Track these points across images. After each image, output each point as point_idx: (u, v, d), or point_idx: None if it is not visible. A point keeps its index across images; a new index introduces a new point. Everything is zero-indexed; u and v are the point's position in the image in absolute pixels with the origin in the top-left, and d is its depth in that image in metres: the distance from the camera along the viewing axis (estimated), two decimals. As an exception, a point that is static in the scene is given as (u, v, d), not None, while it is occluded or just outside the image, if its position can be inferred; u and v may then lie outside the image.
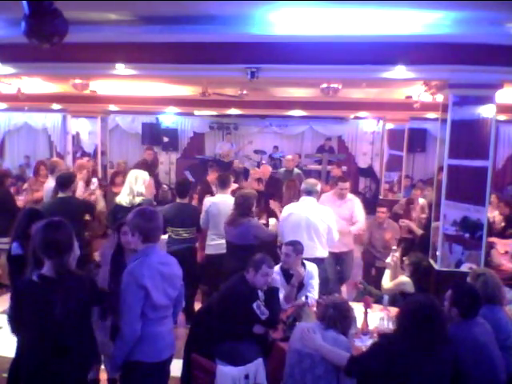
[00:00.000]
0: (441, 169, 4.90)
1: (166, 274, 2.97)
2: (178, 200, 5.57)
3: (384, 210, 6.26)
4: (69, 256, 2.70)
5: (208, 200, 5.54)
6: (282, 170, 9.38)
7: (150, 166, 9.20)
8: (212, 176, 7.17)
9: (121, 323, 2.83)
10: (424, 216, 6.78)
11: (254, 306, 3.64)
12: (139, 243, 2.92)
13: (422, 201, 7.51)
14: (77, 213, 4.88)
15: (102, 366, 4.03)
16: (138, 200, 5.15)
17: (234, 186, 6.10)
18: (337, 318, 3.09)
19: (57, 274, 2.64)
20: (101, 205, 5.90)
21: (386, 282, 4.77)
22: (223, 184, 5.51)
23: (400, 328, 2.85)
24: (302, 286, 4.31)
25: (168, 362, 3.08)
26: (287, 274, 4.29)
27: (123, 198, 5.20)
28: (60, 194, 5.06)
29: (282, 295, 4.12)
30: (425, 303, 2.83)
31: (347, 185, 6.03)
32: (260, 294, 3.80)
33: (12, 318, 2.78)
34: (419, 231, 6.20)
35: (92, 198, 6.14)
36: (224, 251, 5.30)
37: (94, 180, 6.80)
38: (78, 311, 2.68)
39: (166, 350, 3.01)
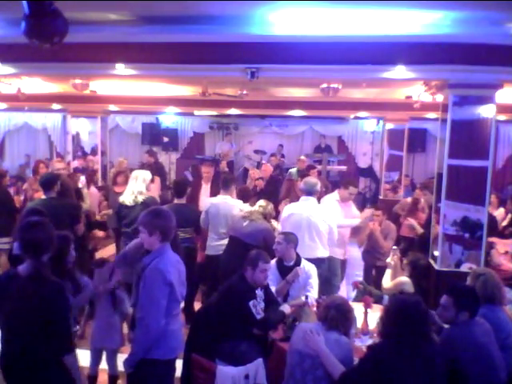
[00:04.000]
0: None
1: (181, 272, 3.09)
2: (175, 200, 5.56)
3: (379, 213, 6.16)
4: (46, 257, 2.73)
5: (209, 200, 5.55)
6: (294, 170, 9.35)
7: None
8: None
9: (146, 319, 2.88)
10: (424, 216, 6.79)
11: (250, 304, 3.64)
12: (157, 243, 2.98)
13: (422, 201, 7.51)
14: (61, 214, 4.81)
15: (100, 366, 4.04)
16: (140, 199, 5.15)
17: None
18: (338, 319, 3.08)
19: (28, 273, 2.64)
20: (87, 203, 5.88)
21: (387, 281, 4.78)
22: (226, 185, 5.50)
23: (384, 329, 2.85)
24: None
25: (176, 359, 3.17)
26: (282, 268, 4.32)
27: (126, 198, 5.20)
28: (43, 196, 5.07)
29: (273, 288, 4.15)
30: (409, 302, 2.84)
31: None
32: (260, 293, 3.80)
33: None
34: (420, 230, 6.19)
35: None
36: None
37: (82, 178, 6.80)
38: (31, 314, 2.60)
39: (179, 347, 3.15)
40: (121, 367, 3.31)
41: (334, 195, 5.81)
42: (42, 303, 2.59)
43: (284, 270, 4.31)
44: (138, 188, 5.23)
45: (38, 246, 2.66)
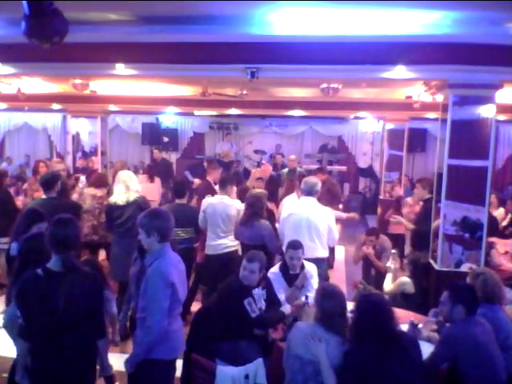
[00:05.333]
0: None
1: (181, 271, 3.10)
2: (176, 200, 5.58)
3: (373, 238, 5.95)
4: (75, 252, 2.84)
5: (206, 200, 5.55)
6: (286, 170, 9.46)
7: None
8: (213, 175, 7.08)
9: (149, 321, 2.89)
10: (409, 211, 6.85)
11: (245, 302, 3.65)
12: (155, 244, 2.98)
13: (409, 199, 7.59)
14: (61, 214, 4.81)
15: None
16: (132, 197, 5.15)
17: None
18: (331, 322, 2.99)
19: (63, 267, 2.72)
20: (87, 203, 5.89)
21: (388, 285, 4.78)
22: (223, 185, 5.51)
23: (354, 331, 2.86)
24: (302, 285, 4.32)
25: (176, 359, 3.19)
26: (287, 275, 4.30)
27: (119, 197, 5.19)
28: (43, 196, 5.06)
29: (282, 296, 4.12)
30: (371, 301, 2.89)
31: None
32: (260, 292, 3.80)
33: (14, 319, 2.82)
34: (410, 225, 6.15)
35: (75, 197, 6.17)
36: (223, 251, 5.33)
37: (82, 178, 6.82)
38: (81, 305, 2.73)
39: (180, 347, 3.16)
40: (117, 367, 3.31)
41: (294, 195, 5.95)
42: (87, 294, 2.75)
43: (290, 278, 4.28)
44: (134, 187, 5.25)
45: (69, 242, 2.77)
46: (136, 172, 8.74)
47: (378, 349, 2.71)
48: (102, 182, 6.29)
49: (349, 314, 3.15)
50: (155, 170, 9.33)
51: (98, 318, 2.86)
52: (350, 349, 2.87)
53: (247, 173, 11.40)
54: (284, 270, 4.32)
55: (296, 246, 4.26)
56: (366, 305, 2.88)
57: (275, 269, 4.37)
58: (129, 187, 5.19)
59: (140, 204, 5.06)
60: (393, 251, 5.29)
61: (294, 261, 4.24)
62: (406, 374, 2.71)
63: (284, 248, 4.57)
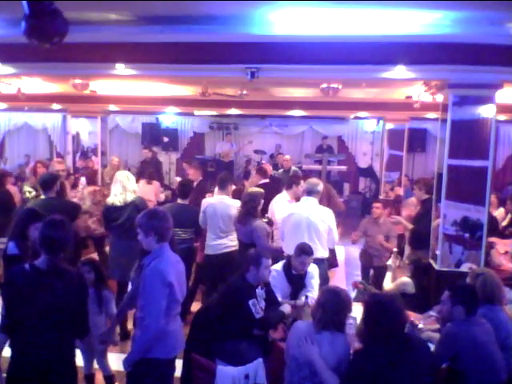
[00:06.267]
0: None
1: (180, 271, 3.10)
2: (179, 201, 5.57)
3: (379, 205, 6.16)
4: (63, 253, 2.84)
5: (206, 201, 5.55)
6: (281, 170, 9.54)
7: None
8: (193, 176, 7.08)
9: (147, 319, 2.90)
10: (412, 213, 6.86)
11: (250, 303, 3.65)
12: (153, 243, 2.99)
13: (413, 198, 7.59)
14: (60, 214, 4.81)
15: (95, 365, 4.03)
16: (129, 198, 5.10)
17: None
18: (326, 318, 2.95)
19: (47, 267, 2.77)
20: (87, 204, 5.90)
21: (388, 284, 4.78)
22: (223, 184, 5.51)
23: (367, 330, 2.82)
24: (303, 287, 4.32)
25: (175, 358, 3.18)
26: (289, 274, 4.31)
27: (116, 198, 5.13)
28: (43, 196, 5.06)
29: (279, 295, 4.13)
30: (381, 300, 2.85)
31: None
32: (260, 292, 3.80)
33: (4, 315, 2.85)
34: (409, 226, 6.17)
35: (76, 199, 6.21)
36: (222, 251, 5.34)
37: (83, 179, 6.84)
38: (62, 306, 2.77)
39: (178, 346, 3.16)
40: (117, 367, 3.31)
41: (284, 195, 5.89)
42: (70, 295, 2.79)
43: (292, 278, 4.30)
44: (131, 187, 5.19)
45: (56, 245, 2.79)
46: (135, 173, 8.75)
47: (390, 350, 2.66)
48: (93, 179, 6.36)
49: (352, 315, 3.15)
50: (146, 168, 9.35)
51: (80, 319, 2.90)
52: (361, 351, 2.82)
53: (247, 173, 11.42)
54: (287, 269, 4.34)
55: (310, 251, 4.27)
56: (376, 305, 2.82)
57: (278, 266, 4.37)
58: (126, 188, 5.13)
59: (138, 205, 5.03)
60: (395, 249, 5.30)
61: (305, 266, 4.27)
62: (417, 377, 2.68)
63: (288, 249, 4.59)
